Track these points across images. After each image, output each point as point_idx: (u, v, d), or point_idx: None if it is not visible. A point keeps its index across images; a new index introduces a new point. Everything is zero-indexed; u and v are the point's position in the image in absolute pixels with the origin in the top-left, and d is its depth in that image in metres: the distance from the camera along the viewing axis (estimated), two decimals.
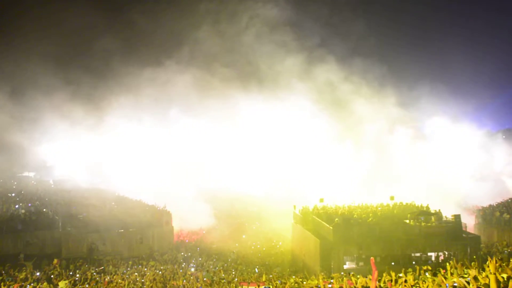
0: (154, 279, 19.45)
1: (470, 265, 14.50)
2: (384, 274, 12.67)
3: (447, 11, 63.87)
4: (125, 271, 23.39)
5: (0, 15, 53.67)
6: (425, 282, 10.83)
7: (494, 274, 7.95)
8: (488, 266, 9.71)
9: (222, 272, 23.73)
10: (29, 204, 32.51)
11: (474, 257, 22.13)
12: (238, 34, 46.75)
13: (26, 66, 45.55)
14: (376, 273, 10.22)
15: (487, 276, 9.07)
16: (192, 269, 24.70)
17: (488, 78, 56.56)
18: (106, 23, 51.99)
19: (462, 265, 14.58)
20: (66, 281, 18.18)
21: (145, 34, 52.31)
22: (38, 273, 21.53)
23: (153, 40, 52.50)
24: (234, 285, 17.26)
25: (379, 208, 30.09)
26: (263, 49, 46.67)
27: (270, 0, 47.41)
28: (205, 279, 19.45)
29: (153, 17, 52.77)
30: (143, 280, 19.36)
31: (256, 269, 24.32)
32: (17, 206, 31.78)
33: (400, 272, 14.78)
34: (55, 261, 23.90)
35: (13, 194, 37.07)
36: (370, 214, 27.85)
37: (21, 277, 19.81)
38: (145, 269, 24.03)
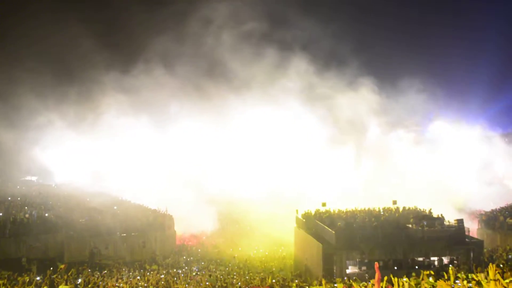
0: (157, 283, 19.45)
1: (473, 270, 14.46)
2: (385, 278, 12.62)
3: (451, 16, 63.97)
4: (127, 275, 23.36)
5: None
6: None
7: (495, 280, 7.93)
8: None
9: (225, 276, 23.69)
10: (33, 208, 32.53)
11: (477, 261, 22.05)
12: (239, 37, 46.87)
13: (26, 70, 45.74)
14: (379, 278, 10.21)
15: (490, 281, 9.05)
16: (194, 273, 24.66)
17: (491, 82, 56.45)
18: (105, 25, 52.38)
19: (464, 270, 14.53)
20: (67, 287, 18.13)
21: (146, 36, 52.52)
22: (38, 277, 21.48)
23: (154, 41, 52.62)
24: None
25: (381, 213, 30.03)
26: (264, 52, 46.83)
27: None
28: (207, 283, 19.43)
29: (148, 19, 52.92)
30: (145, 285, 19.33)
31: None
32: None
33: (403, 277, 14.71)
34: (61, 265, 23.83)
35: (18, 198, 37.15)
36: (373, 219, 27.75)
37: (23, 280, 19.77)
38: (148, 273, 24.01)
